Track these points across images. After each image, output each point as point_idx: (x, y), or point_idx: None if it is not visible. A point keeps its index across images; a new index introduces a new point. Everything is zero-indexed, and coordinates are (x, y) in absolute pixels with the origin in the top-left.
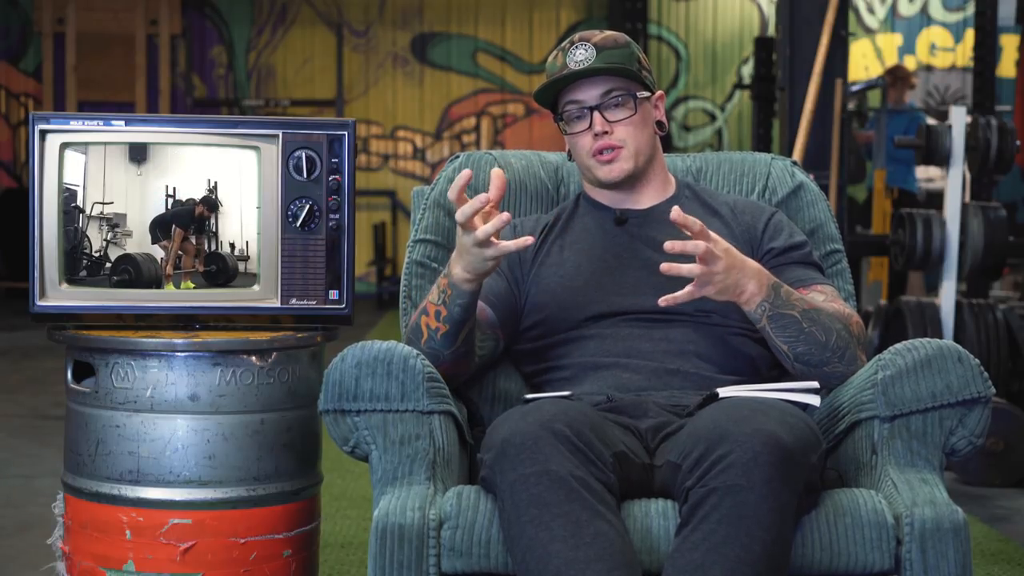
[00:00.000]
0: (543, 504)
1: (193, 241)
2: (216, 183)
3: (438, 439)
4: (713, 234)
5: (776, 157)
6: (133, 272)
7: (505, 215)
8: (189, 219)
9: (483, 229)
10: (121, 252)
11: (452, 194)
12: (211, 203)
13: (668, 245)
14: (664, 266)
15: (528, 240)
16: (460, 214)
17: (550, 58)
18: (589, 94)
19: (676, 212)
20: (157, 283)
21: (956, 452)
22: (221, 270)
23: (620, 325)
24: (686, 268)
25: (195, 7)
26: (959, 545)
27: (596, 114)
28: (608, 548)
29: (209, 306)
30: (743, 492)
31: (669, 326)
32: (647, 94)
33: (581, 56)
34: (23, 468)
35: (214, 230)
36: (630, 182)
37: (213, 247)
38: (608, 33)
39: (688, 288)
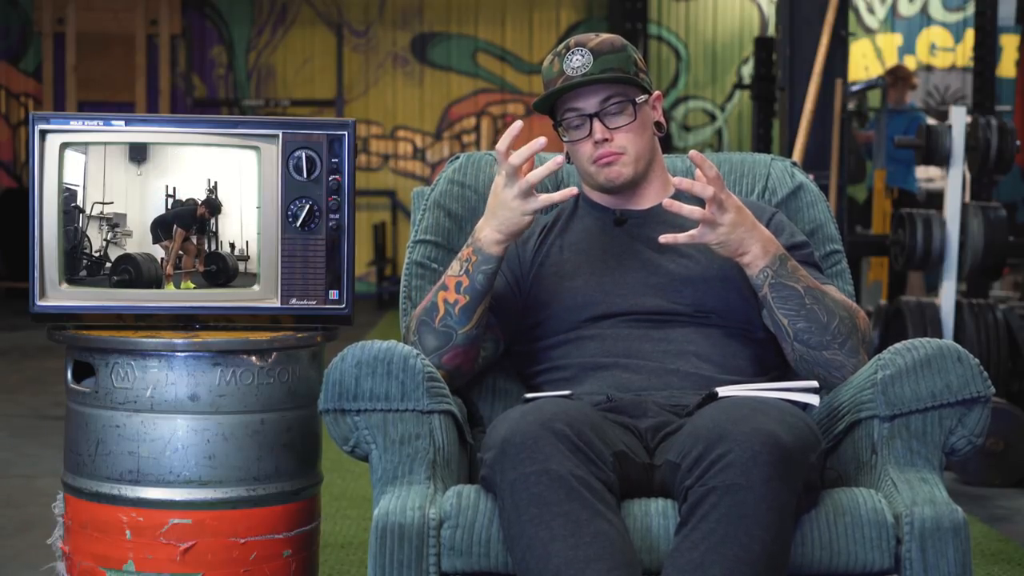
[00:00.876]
0: (543, 503)
1: (194, 241)
2: (216, 183)
3: (438, 439)
4: (727, 190)
5: (776, 158)
6: (133, 272)
7: (559, 158)
8: (191, 220)
9: (535, 172)
10: (121, 252)
11: (502, 145)
12: (213, 205)
13: (664, 238)
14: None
15: (573, 190)
16: (516, 156)
17: (546, 63)
18: (588, 102)
19: (694, 153)
20: (157, 283)
21: (956, 452)
22: (221, 270)
23: (620, 326)
24: (687, 209)
25: (195, 7)
26: (959, 544)
27: (596, 122)
28: (608, 547)
29: (209, 306)
30: (742, 491)
31: (669, 326)
32: (645, 97)
33: (578, 63)
34: (23, 468)
35: (214, 230)
36: (631, 186)
37: (213, 247)
38: (604, 37)
39: (690, 231)
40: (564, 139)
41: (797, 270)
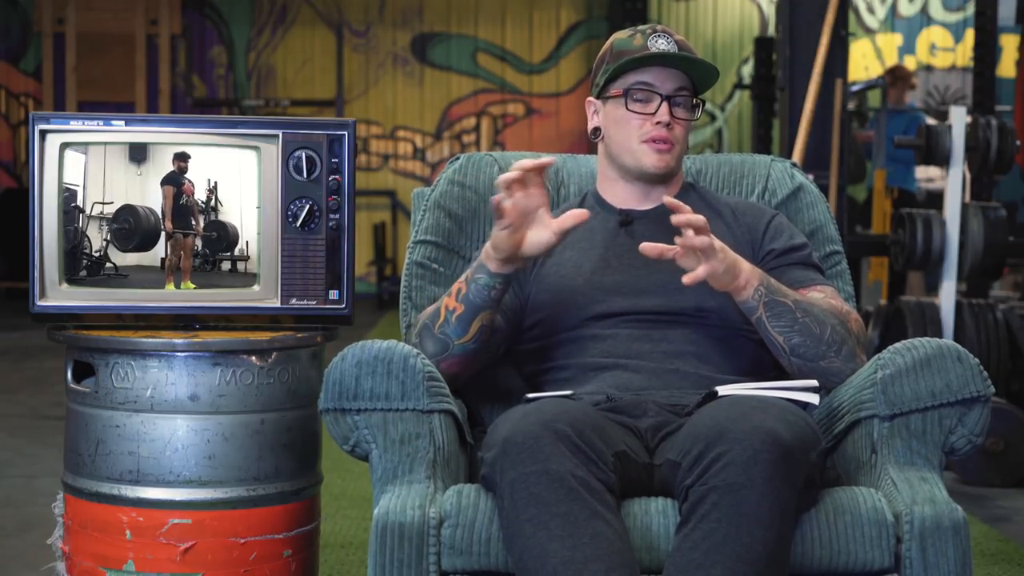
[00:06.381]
0: (542, 503)
1: (195, 241)
2: (216, 183)
3: (438, 438)
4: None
5: (776, 159)
6: (132, 222)
7: (547, 159)
8: (171, 178)
9: (513, 209)
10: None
11: (502, 182)
12: (183, 155)
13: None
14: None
15: (583, 214)
16: (504, 199)
17: (623, 35)
18: (666, 83)
19: (668, 199)
20: (155, 236)
21: (955, 451)
22: (221, 236)
23: (620, 326)
24: (688, 210)
25: (195, 7)
26: (959, 543)
27: (666, 104)
28: (606, 548)
29: (209, 306)
30: (743, 490)
31: (669, 327)
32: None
33: (663, 45)
34: (23, 468)
35: (214, 212)
36: (660, 179)
37: (213, 218)
38: (681, 38)
39: (702, 268)
40: (628, 108)
41: (780, 287)
